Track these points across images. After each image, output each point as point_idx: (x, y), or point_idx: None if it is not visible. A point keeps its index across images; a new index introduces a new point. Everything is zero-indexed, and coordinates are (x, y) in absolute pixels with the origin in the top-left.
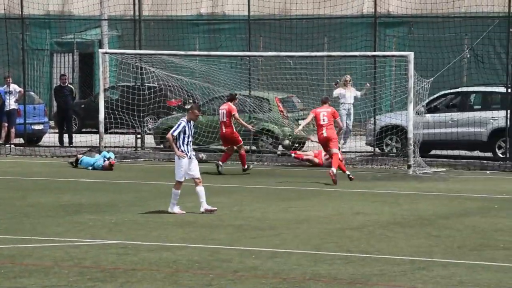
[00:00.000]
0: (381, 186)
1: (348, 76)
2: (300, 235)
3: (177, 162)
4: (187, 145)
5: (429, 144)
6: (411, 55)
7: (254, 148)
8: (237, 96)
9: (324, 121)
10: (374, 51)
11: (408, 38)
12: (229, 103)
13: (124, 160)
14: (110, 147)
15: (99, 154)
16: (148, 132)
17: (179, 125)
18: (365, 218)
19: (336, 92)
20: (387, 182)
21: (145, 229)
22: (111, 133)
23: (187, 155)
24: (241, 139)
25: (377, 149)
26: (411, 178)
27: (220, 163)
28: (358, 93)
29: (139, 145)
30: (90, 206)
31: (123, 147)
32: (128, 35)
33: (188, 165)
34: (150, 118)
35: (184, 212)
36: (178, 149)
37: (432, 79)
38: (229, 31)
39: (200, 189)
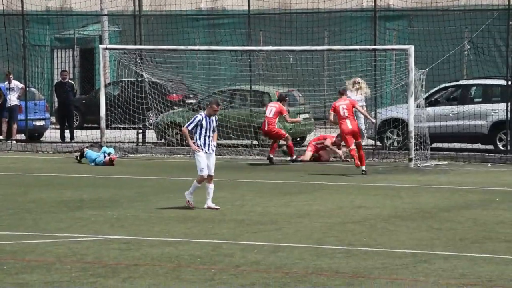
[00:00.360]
0: (383, 180)
1: (357, 78)
2: (302, 230)
3: (195, 157)
4: (204, 139)
5: (430, 137)
6: (411, 48)
7: (255, 142)
8: (287, 98)
9: (344, 113)
10: (374, 44)
11: (408, 31)
12: (279, 103)
13: (126, 155)
14: (112, 142)
15: (100, 150)
16: (149, 127)
17: (194, 119)
18: (366, 211)
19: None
20: (389, 175)
21: (147, 225)
22: (112, 128)
23: (203, 149)
24: (284, 132)
25: (378, 143)
26: (413, 171)
27: (271, 155)
28: (368, 93)
29: (140, 140)
30: (92, 202)
31: (124, 142)
32: (129, 31)
33: (207, 158)
34: (151, 113)
35: (193, 205)
36: (194, 143)
37: (427, 69)
38: (229, 26)
39: (210, 187)
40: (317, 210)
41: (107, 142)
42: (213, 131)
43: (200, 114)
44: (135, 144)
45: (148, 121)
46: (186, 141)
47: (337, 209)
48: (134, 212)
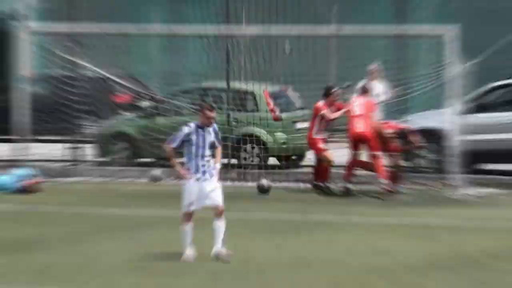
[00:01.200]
0: (411, 214)
1: (375, 64)
2: (299, 284)
3: (183, 186)
4: (195, 161)
5: (479, 155)
6: (453, 30)
7: (234, 161)
8: (333, 90)
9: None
10: (401, 26)
11: (449, 7)
12: (325, 98)
13: (54, 180)
14: (34, 161)
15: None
16: (87, 140)
17: (180, 131)
18: (388, 258)
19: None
20: (419, 208)
21: (84, 274)
22: (35, 141)
23: (194, 174)
24: (320, 147)
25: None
26: (452, 203)
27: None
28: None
29: (74, 158)
30: (10, 243)
31: (51, 160)
32: (59, 7)
33: (200, 188)
34: (89, 121)
35: (192, 257)
36: (182, 167)
37: (474, 61)
38: None
39: (218, 224)
40: (319, 257)
41: (26, 161)
42: (212, 146)
43: (188, 125)
44: (66, 163)
45: (85, 132)
46: (172, 164)
47: (348, 256)
48: (65, 258)
